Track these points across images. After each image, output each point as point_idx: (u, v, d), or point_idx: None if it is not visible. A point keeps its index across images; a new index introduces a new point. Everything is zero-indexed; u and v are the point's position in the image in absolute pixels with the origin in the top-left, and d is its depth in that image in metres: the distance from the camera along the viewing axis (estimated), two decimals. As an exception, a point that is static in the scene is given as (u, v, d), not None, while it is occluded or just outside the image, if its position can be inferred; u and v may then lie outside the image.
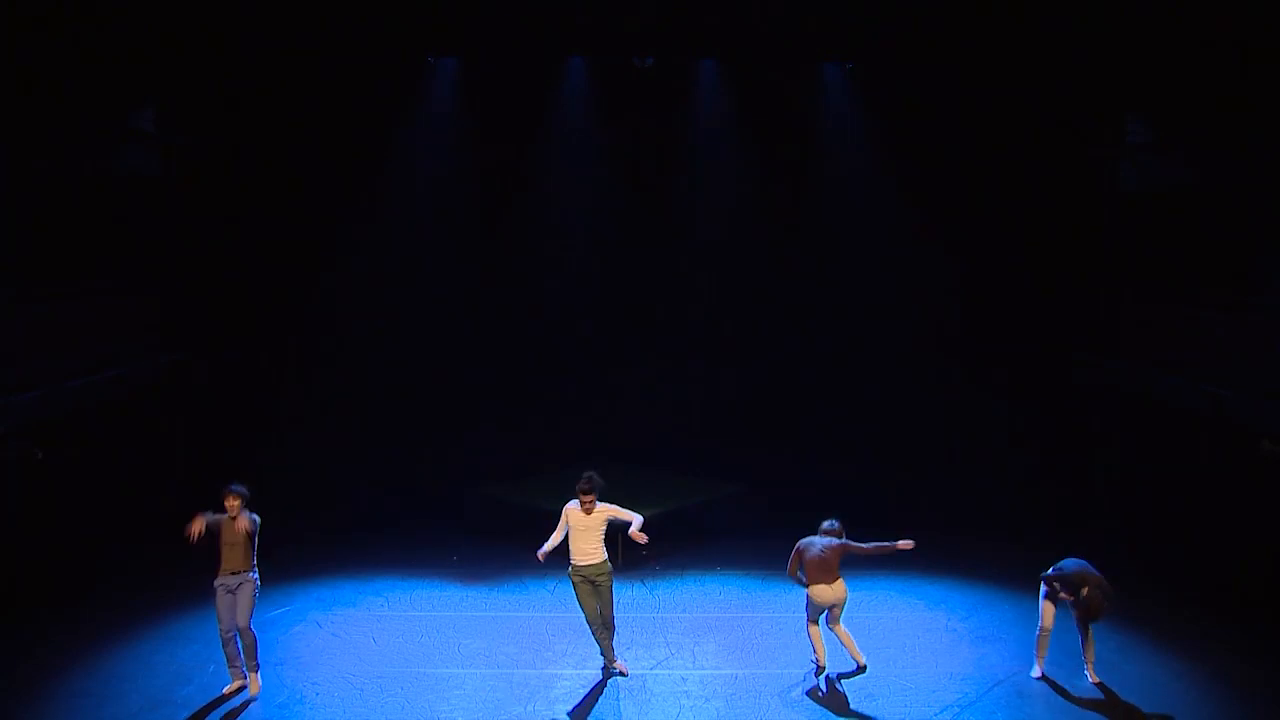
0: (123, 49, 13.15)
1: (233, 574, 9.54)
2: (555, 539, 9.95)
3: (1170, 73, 13.29)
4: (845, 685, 9.82)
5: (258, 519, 9.68)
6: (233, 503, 9.53)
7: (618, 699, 9.55)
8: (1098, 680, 9.87)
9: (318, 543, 13.80)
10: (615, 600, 9.97)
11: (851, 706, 9.45)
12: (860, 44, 16.09)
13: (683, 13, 15.53)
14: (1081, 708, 9.44)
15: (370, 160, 16.54)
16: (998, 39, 15.32)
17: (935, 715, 9.27)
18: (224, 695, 9.63)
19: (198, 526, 9.48)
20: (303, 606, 11.71)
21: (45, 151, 12.07)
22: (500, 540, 13.80)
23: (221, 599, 9.55)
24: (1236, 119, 12.04)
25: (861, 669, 9.87)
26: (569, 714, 9.32)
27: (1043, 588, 9.84)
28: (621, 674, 10.02)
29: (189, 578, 12.24)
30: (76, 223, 12.86)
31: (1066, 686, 9.81)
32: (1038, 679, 9.92)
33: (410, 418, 16.75)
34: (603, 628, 9.96)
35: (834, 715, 9.31)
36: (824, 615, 9.87)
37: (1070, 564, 9.63)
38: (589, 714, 9.32)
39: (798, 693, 9.68)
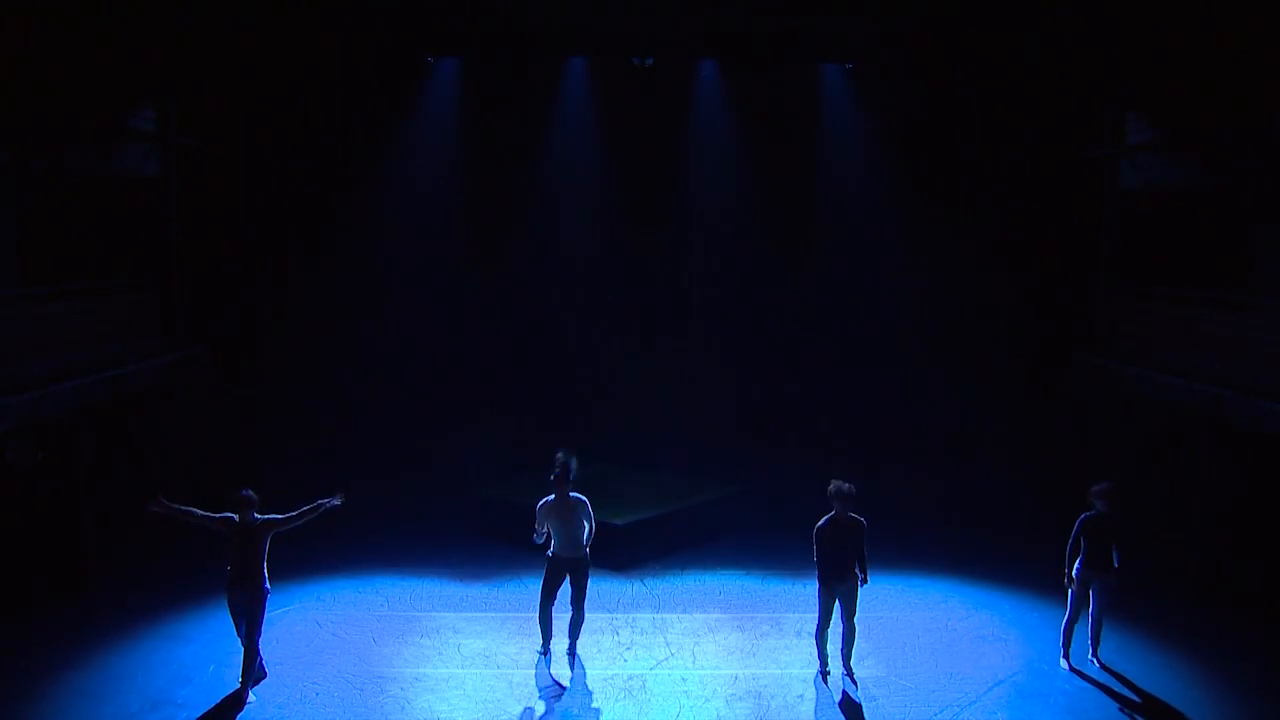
0: (123, 49, 13.15)
1: (241, 581, 9.33)
2: None
3: (1170, 73, 13.29)
4: (845, 685, 9.82)
5: (262, 518, 9.36)
6: (243, 507, 9.26)
7: (618, 699, 9.55)
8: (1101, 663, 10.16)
9: (317, 542, 13.76)
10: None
11: (851, 706, 9.45)
12: (860, 44, 16.10)
13: (683, 13, 15.54)
14: (1082, 708, 9.43)
15: (370, 160, 16.56)
16: (998, 39, 15.33)
17: (935, 715, 9.27)
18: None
19: (161, 509, 9.16)
20: (303, 606, 11.70)
21: (45, 151, 12.06)
22: (500, 540, 13.79)
23: (234, 607, 9.41)
24: (1237, 118, 12.03)
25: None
26: (569, 714, 9.32)
27: (1070, 588, 10.01)
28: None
29: (189, 577, 12.29)
30: (76, 222, 12.84)
31: (1066, 686, 9.81)
32: (1065, 670, 10.13)
33: (410, 417, 16.75)
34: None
35: (834, 715, 9.31)
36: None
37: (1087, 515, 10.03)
38: (589, 714, 9.31)
39: (797, 693, 9.68)
